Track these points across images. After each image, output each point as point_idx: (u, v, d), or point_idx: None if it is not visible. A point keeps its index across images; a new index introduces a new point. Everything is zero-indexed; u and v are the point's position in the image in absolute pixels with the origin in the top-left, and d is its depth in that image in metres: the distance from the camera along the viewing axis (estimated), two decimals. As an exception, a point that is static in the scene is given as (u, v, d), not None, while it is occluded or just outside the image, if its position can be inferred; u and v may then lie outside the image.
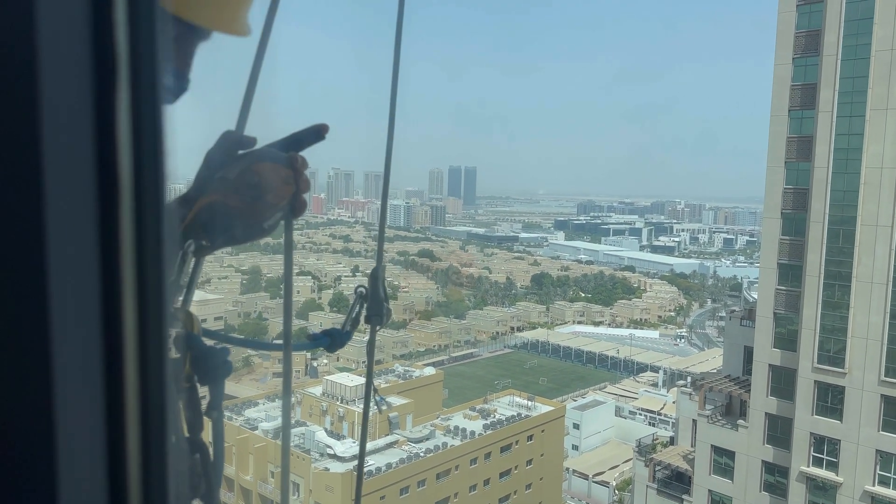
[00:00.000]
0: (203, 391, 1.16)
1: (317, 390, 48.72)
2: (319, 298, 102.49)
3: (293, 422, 47.92)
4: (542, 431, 49.73)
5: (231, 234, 1.20)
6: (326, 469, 39.53)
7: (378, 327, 2.06)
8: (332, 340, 1.52)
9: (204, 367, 1.11)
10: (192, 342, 1.11)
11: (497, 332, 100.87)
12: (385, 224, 2.18)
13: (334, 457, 40.63)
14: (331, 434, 44.14)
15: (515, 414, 49.73)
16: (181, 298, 1.20)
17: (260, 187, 1.20)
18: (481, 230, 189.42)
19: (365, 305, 1.92)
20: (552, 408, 52.46)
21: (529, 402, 51.71)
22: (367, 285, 1.97)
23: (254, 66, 1.71)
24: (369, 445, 42.43)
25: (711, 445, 31.50)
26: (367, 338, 2.14)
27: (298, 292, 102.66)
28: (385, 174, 2.25)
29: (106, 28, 0.34)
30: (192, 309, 1.26)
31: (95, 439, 0.35)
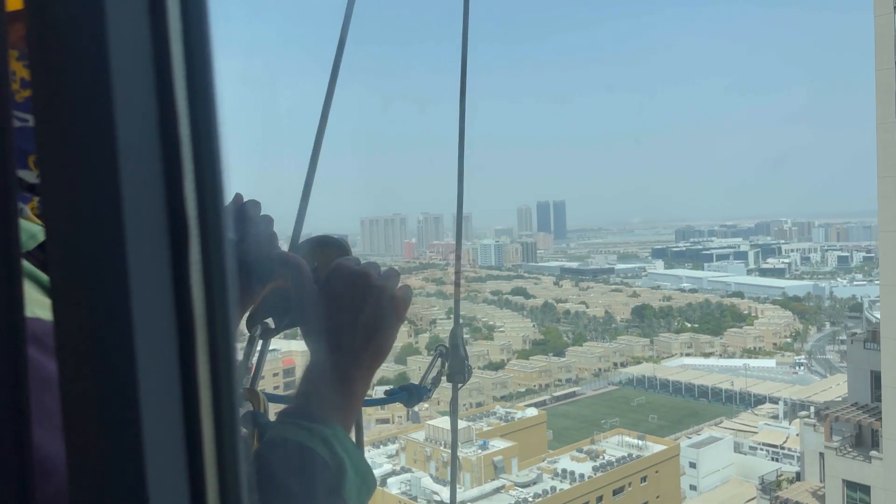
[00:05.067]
0: None
1: (419, 435, 48.83)
2: (416, 343, 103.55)
3: (398, 468, 48.18)
4: (657, 472, 47.57)
5: (294, 317, 1.28)
6: (435, 516, 39.37)
7: (460, 385, 2.10)
8: (410, 395, 1.52)
9: None
10: (258, 420, 1.17)
11: (599, 369, 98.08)
12: (460, 282, 2.23)
13: (441, 503, 40.41)
14: (437, 480, 43.99)
15: (626, 454, 47.88)
16: (249, 378, 1.28)
17: (318, 271, 1.27)
18: (575, 264, 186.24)
19: (446, 364, 1.98)
20: (665, 446, 50.18)
21: (640, 442, 49.73)
22: (447, 343, 2.03)
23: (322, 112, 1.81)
24: (475, 491, 41.94)
25: (843, 480, 29.13)
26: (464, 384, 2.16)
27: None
28: (458, 220, 2.30)
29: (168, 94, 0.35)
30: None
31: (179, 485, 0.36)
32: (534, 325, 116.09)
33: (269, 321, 1.28)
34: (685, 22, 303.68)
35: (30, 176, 0.85)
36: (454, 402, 2.14)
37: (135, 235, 0.34)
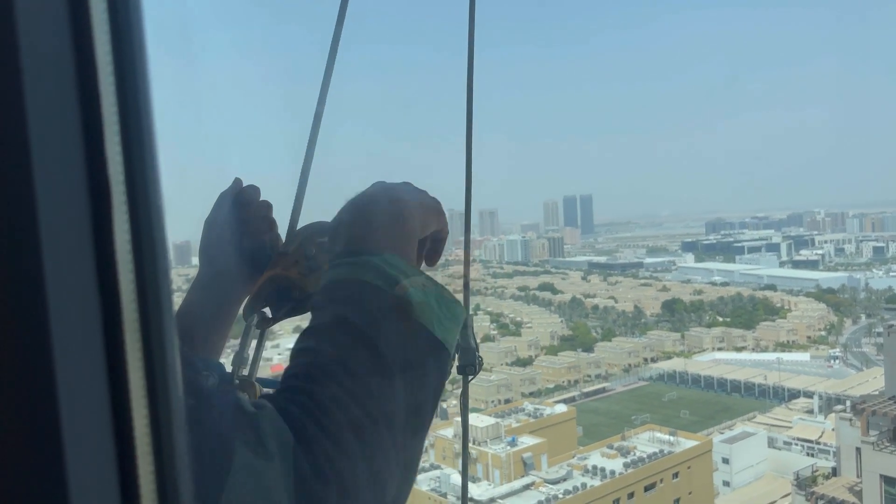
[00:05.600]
0: None
1: (448, 432, 48.89)
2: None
3: (428, 465, 48.30)
4: (689, 468, 47.05)
5: (292, 306, 1.26)
6: (464, 512, 39.36)
7: (470, 378, 2.06)
8: None
9: None
10: None
11: (629, 365, 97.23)
12: (469, 272, 2.18)
13: (471, 500, 40.44)
14: (466, 476, 44.02)
15: (657, 450, 47.42)
16: (248, 370, 1.25)
17: (317, 259, 1.26)
18: (602, 259, 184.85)
19: (456, 356, 1.93)
20: (697, 442, 49.61)
21: (672, 438, 49.22)
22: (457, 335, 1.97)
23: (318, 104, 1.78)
24: (505, 488, 41.87)
25: (880, 475, 28.49)
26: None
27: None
28: (466, 212, 2.25)
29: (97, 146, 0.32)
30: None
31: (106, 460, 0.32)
32: (562, 321, 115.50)
33: (267, 310, 1.26)
34: (716, 14, 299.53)
35: None
36: (464, 395, 2.10)
37: (49, 202, 0.30)
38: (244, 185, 1.32)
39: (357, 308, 0.79)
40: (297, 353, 0.80)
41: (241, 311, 1.29)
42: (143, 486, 0.33)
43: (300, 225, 1.44)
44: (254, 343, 1.31)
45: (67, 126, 0.31)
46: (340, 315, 0.79)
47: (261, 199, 1.31)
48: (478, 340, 2.11)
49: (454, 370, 1.98)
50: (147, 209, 0.33)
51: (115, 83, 0.32)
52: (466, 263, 2.18)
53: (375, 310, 0.80)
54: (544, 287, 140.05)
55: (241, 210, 1.26)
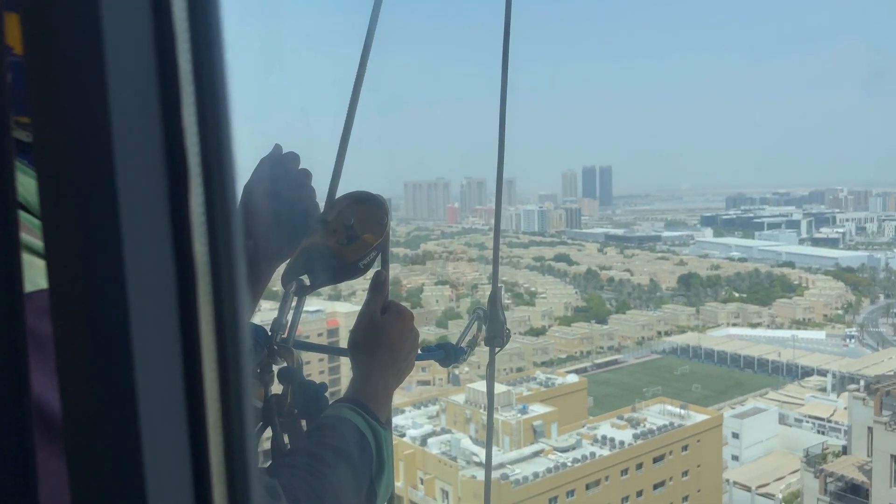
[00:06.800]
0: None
1: (460, 398, 49.39)
2: (458, 307, 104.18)
3: (439, 429, 48.98)
4: (698, 441, 47.29)
5: (329, 274, 1.28)
6: (473, 477, 39.96)
7: (497, 350, 2.08)
8: (447, 355, 1.53)
9: (303, 400, 1.17)
10: (293, 376, 1.18)
11: (642, 338, 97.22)
12: (499, 247, 2.19)
13: (480, 464, 41.02)
14: (476, 442, 44.60)
15: (667, 423, 47.66)
16: (284, 336, 1.27)
17: (354, 228, 1.27)
18: (620, 231, 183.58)
19: (484, 328, 1.94)
20: (708, 416, 49.77)
21: (682, 411, 49.40)
22: (485, 307, 1.99)
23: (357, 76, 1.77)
24: (514, 454, 42.42)
25: (891, 455, 28.48)
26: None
27: (437, 301, 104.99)
28: (497, 187, 2.25)
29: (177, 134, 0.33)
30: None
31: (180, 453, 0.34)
32: (576, 292, 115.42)
33: (305, 278, 1.28)
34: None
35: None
36: (491, 367, 2.12)
37: (127, 174, 0.31)
38: (284, 151, 1.34)
39: (357, 455, 1.07)
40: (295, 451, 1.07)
41: (278, 277, 1.30)
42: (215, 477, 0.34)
43: (339, 194, 1.46)
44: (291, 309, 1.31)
45: (146, 100, 0.32)
46: (345, 450, 1.05)
47: (300, 166, 1.32)
48: (505, 314, 2.12)
49: (482, 342, 2.00)
50: (221, 180, 0.33)
51: (192, 53, 0.32)
52: (496, 236, 2.20)
53: (365, 467, 1.08)
54: (560, 258, 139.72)
55: (281, 177, 1.28)
